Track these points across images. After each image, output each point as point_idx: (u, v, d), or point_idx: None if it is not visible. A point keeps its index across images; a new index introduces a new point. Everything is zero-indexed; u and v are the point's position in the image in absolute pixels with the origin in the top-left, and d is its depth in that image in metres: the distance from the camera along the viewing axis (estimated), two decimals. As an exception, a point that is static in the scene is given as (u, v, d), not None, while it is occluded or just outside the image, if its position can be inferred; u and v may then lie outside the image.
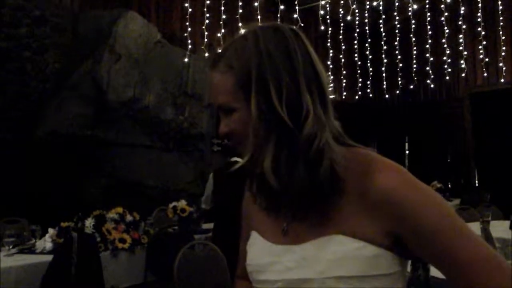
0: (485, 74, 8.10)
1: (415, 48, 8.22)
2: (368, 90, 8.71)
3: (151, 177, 5.83)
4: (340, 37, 7.96)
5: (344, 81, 8.38)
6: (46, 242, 3.33)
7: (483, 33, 7.81)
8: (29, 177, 4.91)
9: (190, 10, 6.16)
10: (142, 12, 6.20)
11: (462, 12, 7.70)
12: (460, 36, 7.95)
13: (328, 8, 7.25)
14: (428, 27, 8.03)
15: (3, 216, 4.30)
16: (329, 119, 0.87)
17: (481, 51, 7.95)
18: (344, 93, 8.42)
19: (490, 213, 3.82)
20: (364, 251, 0.80)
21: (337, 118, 0.90)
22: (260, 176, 0.87)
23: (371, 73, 8.57)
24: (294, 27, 0.91)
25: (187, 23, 6.23)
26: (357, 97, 8.58)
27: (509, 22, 7.84)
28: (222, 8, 6.35)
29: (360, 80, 8.44)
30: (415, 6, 7.58)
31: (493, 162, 7.90)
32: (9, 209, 4.42)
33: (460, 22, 7.85)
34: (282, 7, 6.07)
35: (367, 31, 8.01)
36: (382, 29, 8.06)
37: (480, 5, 7.67)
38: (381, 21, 7.92)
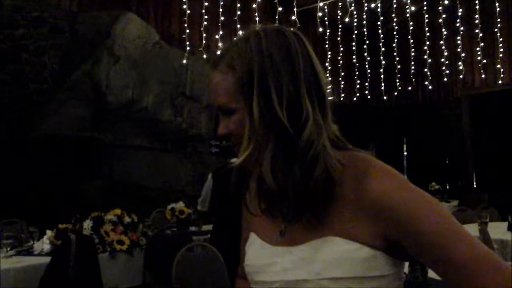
0: (483, 76, 8.11)
1: (413, 49, 8.23)
2: (366, 92, 8.72)
3: (149, 179, 5.83)
4: (338, 38, 7.97)
5: (342, 82, 8.39)
6: (44, 244, 3.32)
7: (480, 34, 7.83)
8: (27, 178, 4.90)
9: (188, 11, 6.16)
10: (141, 13, 6.21)
11: (459, 13, 7.72)
12: (458, 37, 7.97)
13: (326, 10, 7.25)
14: (426, 28, 8.05)
15: (1, 218, 4.29)
16: (327, 123, 0.87)
17: (479, 53, 7.96)
18: (342, 95, 8.43)
19: (488, 214, 3.83)
20: (359, 253, 0.81)
21: (336, 122, 0.90)
22: (258, 178, 0.88)
23: (369, 75, 8.58)
24: (296, 30, 0.92)
25: (186, 25, 6.23)
26: (355, 98, 8.58)
27: (507, 24, 7.86)
28: (221, 10, 6.36)
29: (358, 81, 8.44)
30: (413, 8, 7.60)
31: (491, 163, 7.91)
32: (7, 210, 4.42)
33: (458, 24, 7.86)
34: (280, 8, 6.07)
35: (365, 33, 8.01)
36: (380, 31, 8.08)
37: (477, 6, 7.69)
38: (379, 23, 7.93)
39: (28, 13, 5.27)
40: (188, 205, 4.64)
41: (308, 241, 0.86)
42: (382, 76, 8.31)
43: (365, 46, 8.24)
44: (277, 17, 6.03)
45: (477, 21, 7.76)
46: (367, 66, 8.45)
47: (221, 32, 6.34)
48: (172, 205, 4.55)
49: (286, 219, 0.89)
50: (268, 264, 0.90)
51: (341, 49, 8.08)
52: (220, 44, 6.36)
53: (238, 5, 6.43)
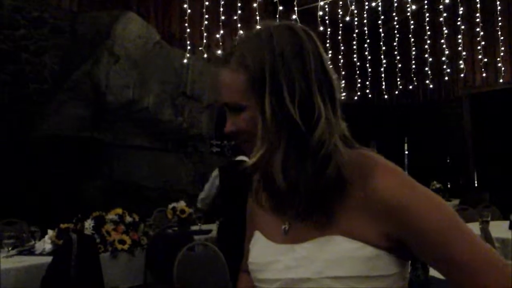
0: (484, 74, 8.10)
1: (414, 48, 8.22)
2: (367, 91, 8.72)
3: (150, 178, 5.83)
4: (339, 37, 7.96)
5: (343, 81, 8.39)
6: (45, 244, 3.33)
7: (481, 33, 7.82)
8: (28, 178, 4.90)
9: (189, 11, 6.16)
10: (141, 13, 6.21)
11: (460, 12, 7.71)
12: (459, 36, 7.96)
13: (327, 9, 7.24)
14: (427, 27, 8.04)
15: (2, 218, 4.30)
16: (338, 121, 0.87)
17: (480, 52, 7.95)
18: (343, 94, 8.42)
19: (489, 213, 3.83)
20: (362, 252, 0.81)
21: (344, 119, 0.90)
22: (266, 175, 0.88)
23: (370, 74, 8.57)
24: (306, 28, 0.91)
25: (186, 24, 6.22)
26: (356, 97, 8.58)
27: (508, 23, 7.85)
28: (221, 9, 6.35)
29: (359, 80, 8.43)
30: (414, 7, 7.60)
31: (492, 162, 7.90)
32: (9, 210, 4.42)
33: (459, 23, 7.85)
34: (281, 8, 6.06)
35: (366, 32, 8.00)
36: (381, 30, 8.07)
37: (478, 5, 7.68)
38: (380, 21, 7.93)
39: (29, 13, 5.27)
40: (189, 205, 4.65)
41: (311, 239, 0.85)
42: (383, 75, 8.30)
43: (366, 45, 8.24)
44: (277, 16, 6.02)
45: (478, 20, 7.75)
46: (368, 65, 8.44)
47: (222, 32, 6.34)
48: (173, 204, 4.55)
49: (294, 217, 0.89)
50: (271, 262, 0.90)
51: (342, 48, 8.08)
52: (221, 44, 6.36)
53: (239, 4, 6.43)
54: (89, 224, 3.43)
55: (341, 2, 7.32)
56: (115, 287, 3.33)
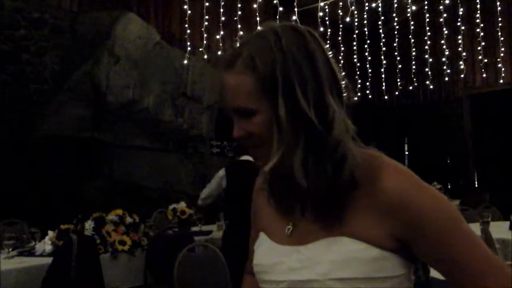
0: (484, 75, 8.10)
1: (414, 49, 8.23)
2: (368, 91, 8.72)
3: (150, 179, 5.83)
4: (339, 38, 7.96)
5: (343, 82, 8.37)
6: (45, 245, 3.32)
7: (482, 34, 7.82)
8: (28, 179, 4.90)
9: (189, 12, 6.16)
10: (141, 13, 6.21)
11: (461, 13, 7.71)
12: (459, 37, 7.96)
13: (327, 10, 7.24)
14: (427, 28, 8.04)
15: (2, 218, 4.30)
16: (348, 121, 0.87)
17: (480, 52, 7.95)
18: (344, 95, 8.41)
19: (489, 214, 3.82)
20: (368, 253, 0.80)
21: (351, 119, 0.90)
22: (279, 176, 0.86)
23: (370, 74, 8.57)
24: (310, 28, 0.90)
25: (186, 25, 6.22)
26: (356, 98, 8.58)
27: (508, 23, 7.86)
28: (221, 10, 6.35)
29: (359, 81, 8.43)
30: (414, 7, 7.59)
31: (493, 162, 7.91)
32: (9, 211, 4.42)
33: (459, 23, 7.85)
34: (281, 8, 6.07)
35: (366, 33, 8.00)
36: (381, 31, 8.07)
37: (478, 6, 7.68)
38: (380, 22, 7.93)
39: (29, 14, 5.28)
40: (189, 206, 4.65)
41: (316, 240, 0.85)
42: (383, 75, 8.29)
43: (366, 46, 8.24)
44: (278, 17, 6.02)
45: (478, 21, 7.75)
46: (368, 65, 8.44)
47: (222, 32, 6.34)
48: (174, 205, 4.56)
49: (300, 217, 0.89)
50: (276, 263, 0.90)
51: (342, 49, 8.07)
52: (221, 44, 6.36)
53: (239, 5, 6.43)
54: (89, 225, 3.43)
55: (341, 3, 7.32)
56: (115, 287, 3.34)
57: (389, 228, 0.81)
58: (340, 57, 8.08)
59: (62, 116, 5.20)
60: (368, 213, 0.82)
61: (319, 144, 0.83)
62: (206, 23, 6.43)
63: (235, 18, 6.41)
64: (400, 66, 8.27)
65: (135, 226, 3.67)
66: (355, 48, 8.26)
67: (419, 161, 8.61)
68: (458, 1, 7.67)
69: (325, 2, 7.14)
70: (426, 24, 8.00)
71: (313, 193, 0.83)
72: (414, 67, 8.37)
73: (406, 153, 8.98)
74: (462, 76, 8.16)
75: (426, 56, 8.07)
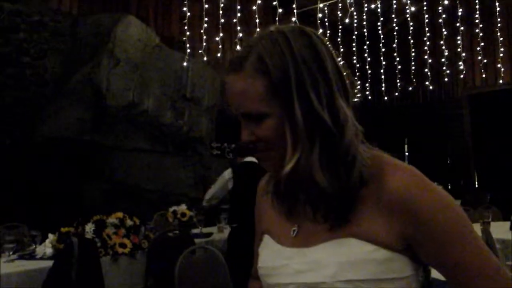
0: (484, 75, 8.11)
1: (413, 50, 8.23)
2: (367, 92, 8.72)
3: (151, 181, 5.83)
4: (339, 39, 7.97)
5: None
6: (46, 248, 3.32)
7: (481, 34, 7.83)
8: (28, 181, 4.90)
9: (188, 14, 6.17)
10: (141, 16, 6.21)
11: (460, 13, 7.72)
12: (458, 37, 7.97)
13: (326, 11, 7.26)
14: (426, 28, 8.04)
15: (3, 222, 4.29)
16: (356, 122, 0.87)
17: (479, 52, 7.96)
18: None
19: (490, 214, 3.82)
20: (376, 254, 0.80)
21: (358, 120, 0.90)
22: (289, 178, 0.85)
23: (369, 76, 8.58)
24: (315, 31, 0.90)
25: (186, 27, 6.23)
26: (356, 99, 8.57)
27: (507, 24, 7.87)
28: (221, 12, 6.36)
29: (359, 82, 8.44)
30: (413, 8, 7.60)
31: (492, 163, 7.90)
32: (9, 214, 4.42)
33: (458, 24, 7.86)
34: (280, 10, 6.08)
35: (366, 34, 8.01)
36: (380, 32, 8.07)
37: (477, 6, 7.69)
38: (379, 23, 7.93)
39: (29, 17, 5.28)
40: (189, 208, 4.64)
41: (323, 242, 0.84)
42: (382, 76, 8.30)
43: (365, 47, 8.24)
44: (277, 18, 6.03)
45: (477, 21, 7.76)
46: (367, 67, 8.45)
47: (221, 34, 6.35)
48: (174, 207, 4.55)
49: (306, 219, 0.88)
50: (282, 266, 0.89)
51: (342, 50, 8.08)
52: (220, 46, 6.36)
53: (238, 7, 6.44)
54: (90, 228, 3.43)
55: (340, 4, 7.33)
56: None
57: (395, 227, 0.81)
58: (339, 59, 8.06)
59: (62, 118, 5.20)
60: (374, 214, 0.82)
61: (332, 147, 0.83)
62: (205, 25, 6.43)
63: (234, 20, 6.43)
64: (399, 67, 8.27)
65: (135, 229, 3.67)
66: (354, 49, 8.27)
67: (419, 162, 8.59)
68: (457, 1, 7.68)
69: (324, 4, 7.15)
70: (426, 25, 8.01)
71: (326, 194, 0.83)
72: (413, 67, 8.37)
73: (406, 153, 8.98)
74: (462, 76, 8.16)
75: (426, 56, 8.08)
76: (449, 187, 7.92)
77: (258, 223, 1.07)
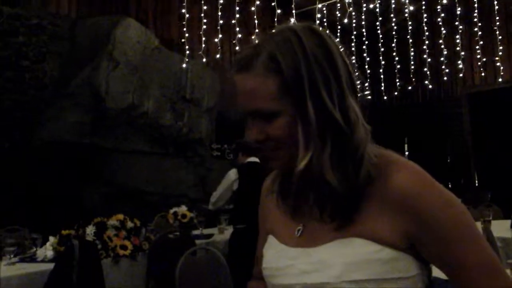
0: (483, 74, 8.11)
1: (412, 49, 8.23)
2: (367, 92, 8.71)
3: (151, 183, 5.83)
4: (337, 39, 7.91)
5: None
6: (47, 251, 3.32)
7: (480, 33, 7.83)
8: (28, 185, 4.90)
9: (187, 16, 6.17)
10: (140, 18, 6.22)
11: (458, 12, 7.72)
12: (457, 36, 7.97)
13: (325, 11, 7.26)
14: (425, 28, 8.05)
15: (3, 225, 4.29)
16: (364, 122, 0.87)
17: (478, 51, 7.96)
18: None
19: (491, 212, 3.82)
20: (381, 254, 0.80)
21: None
22: (300, 177, 0.85)
23: (369, 75, 8.58)
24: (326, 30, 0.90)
25: (185, 29, 6.24)
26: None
27: (505, 22, 7.87)
28: (219, 13, 6.37)
29: (358, 82, 8.43)
30: (411, 8, 7.60)
31: (493, 161, 7.90)
32: (10, 217, 4.42)
33: (456, 23, 7.87)
34: (279, 11, 6.08)
35: (364, 33, 8.01)
36: (379, 31, 8.08)
37: (476, 5, 7.70)
38: (378, 23, 7.94)
39: (28, 20, 5.28)
40: (190, 209, 4.64)
41: (327, 242, 0.84)
42: (382, 76, 8.31)
43: (364, 47, 8.24)
44: (276, 19, 6.04)
45: (475, 20, 7.77)
46: (366, 66, 8.45)
47: (220, 36, 6.35)
48: (175, 209, 4.55)
49: (312, 219, 0.88)
50: (286, 266, 0.88)
51: (341, 50, 8.08)
52: (219, 48, 6.37)
53: (237, 8, 6.44)
54: (90, 230, 3.42)
55: (339, 5, 7.34)
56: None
57: (399, 226, 0.80)
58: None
59: (62, 122, 5.20)
60: (379, 212, 0.82)
61: (343, 145, 0.83)
62: (204, 26, 6.44)
63: (233, 22, 6.43)
64: (398, 66, 8.28)
65: (136, 231, 3.67)
66: (353, 49, 8.27)
67: (419, 161, 8.37)
68: (456, 0, 7.68)
69: (323, 4, 7.15)
70: (424, 24, 8.01)
71: (335, 193, 0.82)
72: (412, 67, 8.37)
73: (406, 153, 8.98)
74: (461, 75, 8.17)
75: (425, 56, 8.09)
76: (450, 186, 7.91)
77: (262, 223, 1.06)
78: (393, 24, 8.00)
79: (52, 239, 3.38)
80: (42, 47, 5.39)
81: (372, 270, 0.79)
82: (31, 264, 3.21)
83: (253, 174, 3.91)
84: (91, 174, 5.36)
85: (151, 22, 6.51)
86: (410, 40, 8.07)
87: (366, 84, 8.64)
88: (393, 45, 8.11)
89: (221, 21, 6.36)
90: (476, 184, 8.27)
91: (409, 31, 7.94)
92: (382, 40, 8.18)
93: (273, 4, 6.15)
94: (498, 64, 7.87)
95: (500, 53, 7.84)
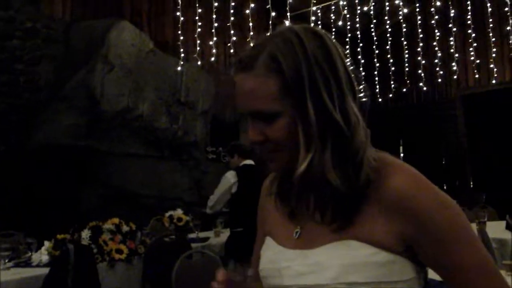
0: (477, 76, 8.16)
1: (406, 51, 8.27)
2: (361, 94, 8.74)
3: (146, 186, 5.81)
4: (332, 42, 7.98)
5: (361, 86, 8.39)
6: (42, 255, 3.31)
7: (473, 35, 7.88)
8: (23, 188, 4.88)
9: (182, 18, 6.17)
10: (134, 21, 6.21)
11: (452, 15, 7.77)
12: (451, 38, 8.02)
13: (319, 14, 7.28)
14: (419, 30, 8.09)
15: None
16: (364, 124, 0.88)
17: (472, 53, 8.01)
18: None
19: (486, 214, 3.84)
20: (378, 257, 0.80)
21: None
22: (299, 179, 0.85)
23: (363, 78, 8.60)
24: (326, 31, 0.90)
25: (179, 32, 6.23)
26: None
27: (498, 24, 7.91)
28: (214, 16, 6.37)
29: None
30: (405, 10, 7.64)
31: (487, 162, 7.94)
32: (6, 221, 4.39)
33: (450, 25, 7.91)
34: (273, 13, 6.09)
35: (359, 36, 8.04)
36: (373, 34, 8.11)
37: (469, 7, 7.74)
38: (372, 25, 7.97)
39: (22, 24, 5.26)
40: (186, 212, 4.63)
41: (324, 244, 0.84)
42: (376, 78, 8.34)
43: (358, 49, 8.27)
44: (270, 22, 6.05)
45: (469, 22, 7.81)
46: (361, 69, 8.47)
47: (215, 39, 6.35)
48: (170, 212, 4.54)
49: (310, 221, 0.88)
50: (283, 268, 0.88)
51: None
52: (214, 50, 6.37)
53: (231, 11, 6.45)
54: (86, 234, 3.41)
55: (333, 7, 7.36)
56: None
57: (395, 228, 0.81)
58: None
59: (57, 125, 5.18)
60: (376, 215, 0.82)
61: (344, 146, 0.83)
62: (199, 29, 6.44)
63: (228, 24, 6.43)
64: (393, 68, 8.31)
65: (132, 234, 3.66)
66: (348, 51, 8.29)
67: (414, 163, 8.41)
68: (449, 3, 7.73)
69: (317, 7, 7.17)
70: (418, 26, 8.05)
71: (337, 194, 0.83)
72: (407, 69, 8.40)
73: (401, 155, 9.00)
74: (455, 77, 8.21)
75: (419, 58, 8.13)
76: (445, 187, 7.94)
77: (261, 224, 1.06)
78: (387, 27, 8.03)
79: (47, 243, 3.37)
80: (37, 51, 5.37)
81: (369, 273, 0.79)
82: (26, 268, 3.20)
83: (250, 176, 3.91)
84: (86, 177, 5.34)
85: (145, 25, 6.50)
86: (404, 43, 8.10)
87: (361, 87, 8.67)
88: (388, 47, 8.14)
89: (215, 24, 6.37)
90: (471, 186, 8.31)
91: (403, 33, 7.98)
92: (376, 43, 8.21)
93: (267, 6, 6.15)
94: (491, 66, 7.92)
95: (494, 55, 7.89)
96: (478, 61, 8.03)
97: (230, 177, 4.05)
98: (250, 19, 6.31)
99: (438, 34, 7.90)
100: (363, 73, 8.50)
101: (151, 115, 5.81)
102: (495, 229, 3.90)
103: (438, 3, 7.36)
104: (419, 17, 8.03)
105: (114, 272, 3.41)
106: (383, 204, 0.81)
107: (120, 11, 6.21)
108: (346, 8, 7.10)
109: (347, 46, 8.24)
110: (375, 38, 8.17)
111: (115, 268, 3.42)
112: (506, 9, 7.56)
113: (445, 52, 8.15)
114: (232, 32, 6.36)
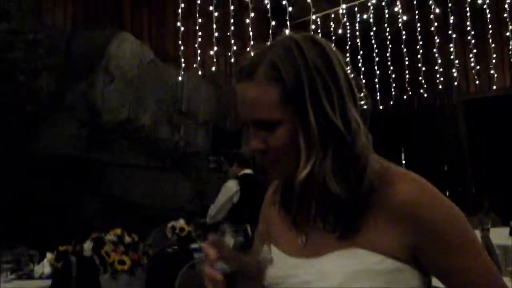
0: (477, 82, 8.16)
1: (406, 58, 8.28)
2: (362, 102, 8.74)
3: (148, 197, 5.80)
4: (333, 50, 7.99)
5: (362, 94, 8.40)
6: (44, 267, 3.30)
7: (473, 41, 7.89)
8: (24, 199, 4.88)
9: (182, 29, 6.20)
10: (135, 32, 6.23)
11: (451, 21, 7.79)
12: (451, 45, 8.03)
13: (319, 23, 7.31)
14: (419, 37, 8.10)
15: (1, 240, 4.26)
16: (367, 132, 0.88)
17: (472, 59, 8.02)
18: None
19: (489, 220, 3.82)
20: (383, 265, 0.80)
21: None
22: (302, 187, 0.85)
23: (364, 85, 8.60)
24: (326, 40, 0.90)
25: (180, 42, 6.25)
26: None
27: (498, 30, 7.93)
28: (214, 26, 6.40)
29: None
30: (405, 17, 7.66)
31: (489, 168, 7.92)
32: (6, 232, 4.38)
33: (450, 31, 7.92)
34: (273, 23, 6.12)
35: (359, 44, 8.06)
36: (373, 41, 8.12)
37: (468, 14, 7.77)
38: (372, 33, 7.99)
39: (23, 35, 5.29)
40: (188, 223, 4.61)
41: (330, 252, 0.84)
42: (377, 86, 8.34)
43: (359, 57, 8.29)
44: (270, 31, 6.07)
45: (468, 28, 7.83)
46: (362, 76, 8.48)
47: (215, 48, 6.37)
48: (172, 222, 4.52)
49: (314, 229, 0.88)
50: (289, 276, 0.88)
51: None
52: (215, 60, 6.39)
53: (232, 20, 6.47)
54: (88, 245, 3.40)
55: (333, 16, 7.39)
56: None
57: (401, 236, 0.80)
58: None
59: (58, 136, 5.19)
60: (381, 223, 0.82)
61: (344, 154, 0.83)
62: (199, 39, 6.47)
63: (228, 34, 6.45)
64: (393, 75, 8.31)
65: (134, 245, 3.64)
66: (348, 59, 8.30)
67: (416, 170, 8.37)
68: (449, 9, 7.75)
69: (317, 15, 7.20)
70: (418, 33, 8.07)
71: (338, 201, 0.82)
72: (407, 76, 8.41)
73: (403, 162, 8.99)
74: (456, 83, 8.21)
75: (419, 65, 8.13)
76: (447, 193, 7.90)
77: (264, 233, 1.05)
78: (387, 34, 8.05)
79: (49, 255, 3.35)
80: (38, 61, 5.40)
81: (374, 281, 0.79)
82: (28, 281, 3.19)
83: (252, 186, 3.89)
84: (87, 188, 5.33)
85: (146, 36, 6.52)
86: (404, 50, 8.12)
87: (362, 94, 8.68)
88: (388, 54, 8.16)
89: (216, 34, 6.39)
90: (474, 191, 8.28)
91: (403, 40, 7.99)
92: (376, 50, 8.22)
93: (268, 16, 6.18)
94: (492, 71, 7.92)
95: (494, 61, 7.90)
96: (478, 67, 8.04)
97: (232, 186, 4.02)
98: (250, 29, 6.33)
99: (438, 40, 7.92)
100: (364, 81, 8.51)
101: (152, 125, 5.82)
102: (499, 235, 3.88)
103: (438, 10, 7.38)
104: (418, 24, 8.05)
105: (116, 283, 3.39)
106: (389, 212, 0.81)
107: (120, 22, 6.24)
108: (345, 16, 7.13)
109: (347, 54, 8.26)
110: (375, 46, 8.18)
111: (117, 279, 3.40)
112: (505, 15, 7.58)
113: (445, 59, 8.16)
114: (232, 41, 6.37)
